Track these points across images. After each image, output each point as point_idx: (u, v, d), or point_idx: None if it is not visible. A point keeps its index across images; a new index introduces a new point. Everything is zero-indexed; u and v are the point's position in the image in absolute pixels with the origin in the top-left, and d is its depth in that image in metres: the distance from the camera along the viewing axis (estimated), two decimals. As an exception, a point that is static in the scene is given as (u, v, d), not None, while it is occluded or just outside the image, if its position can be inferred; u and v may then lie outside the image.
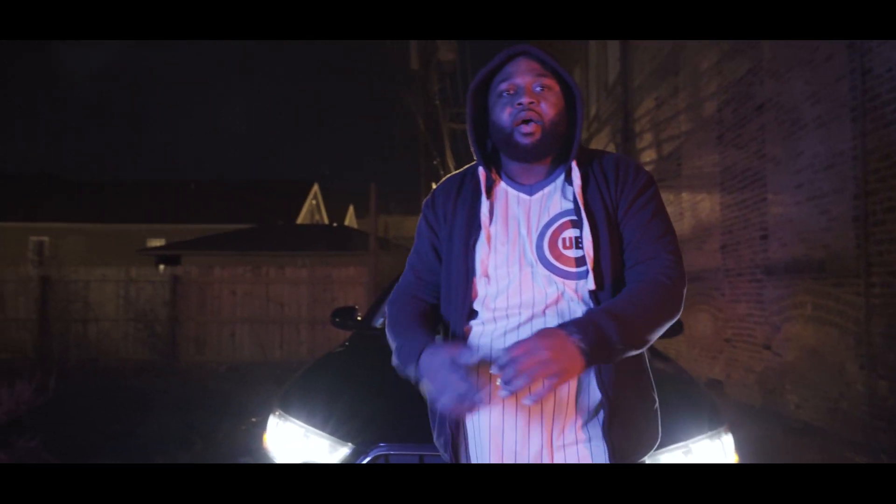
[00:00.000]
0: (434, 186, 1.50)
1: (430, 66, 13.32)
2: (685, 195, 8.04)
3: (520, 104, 1.29)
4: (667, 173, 8.63)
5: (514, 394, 1.08)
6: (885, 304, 4.27)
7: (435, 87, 13.76)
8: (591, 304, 1.27)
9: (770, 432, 4.99)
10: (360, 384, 2.19)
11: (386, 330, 1.41)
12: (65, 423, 4.73)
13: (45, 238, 23.60)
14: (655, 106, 9.05)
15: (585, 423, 1.26)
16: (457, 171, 1.47)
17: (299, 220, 25.51)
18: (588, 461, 1.24)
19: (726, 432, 1.89)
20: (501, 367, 1.07)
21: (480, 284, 1.31)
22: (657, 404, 1.35)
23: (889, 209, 4.26)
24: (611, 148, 11.49)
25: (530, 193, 1.34)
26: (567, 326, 1.14)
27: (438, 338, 1.39)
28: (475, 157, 1.40)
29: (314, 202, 29.02)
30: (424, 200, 1.46)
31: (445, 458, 1.34)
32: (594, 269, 1.26)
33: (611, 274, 1.28)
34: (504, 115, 1.31)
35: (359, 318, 3.32)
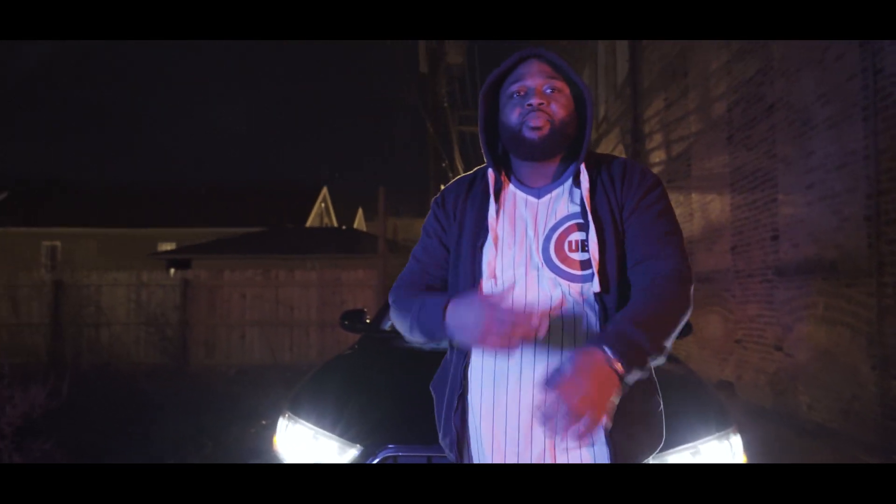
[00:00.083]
0: (443, 188, 1.51)
1: (439, 70, 13.34)
2: (695, 196, 8.01)
3: (530, 105, 1.30)
4: (676, 174, 8.60)
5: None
6: (898, 305, 4.23)
7: (443, 90, 13.77)
8: (596, 307, 1.27)
9: (782, 434, 4.96)
10: (368, 386, 2.20)
11: (392, 313, 1.40)
12: (78, 425, 4.77)
13: (58, 243, 23.80)
14: (665, 107, 9.02)
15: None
16: (467, 173, 1.48)
17: (308, 223, 25.60)
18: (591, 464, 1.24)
19: (734, 433, 1.88)
20: (549, 414, 1.06)
21: (487, 286, 1.32)
22: (661, 407, 1.35)
23: (901, 209, 4.22)
24: (620, 149, 11.46)
25: (538, 196, 1.35)
26: (602, 345, 1.12)
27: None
28: (485, 159, 1.41)
29: (323, 205, 29.11)
30: (433, 198, 1.47)
31: (451, 457, 1.35)
32: (599, 273, 1.26)
33: (616, 277, 1.28)
34: (514, 116, 1.32)
35: (368, 321, 3.33)
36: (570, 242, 1.28)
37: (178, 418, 5.33)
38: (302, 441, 1.99)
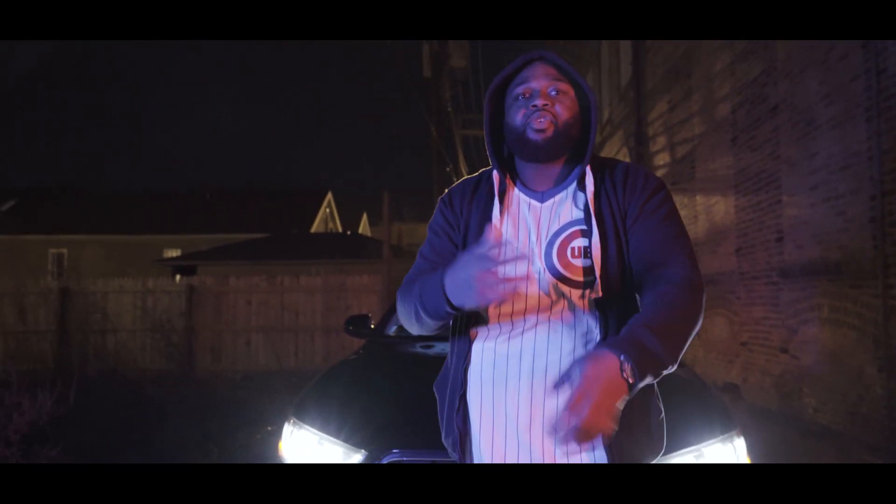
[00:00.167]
0: (449, 189, 1.52)
1: (442, 73, 13.35)
2: (699, 198, 8.00)
3: (534, 106, 1.31)
4: (681, 176, 8.59)
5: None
6: (904, 306, 4.22)
7: (447, 93, 13.79)
8: (597, 313, 1.27)
9: (787, 436, 4.94)
10: (373, 392, 2.20)
11: (399, 309, 1.40)
12: (85, 431, 4.79)
13: (64, 250, 23.92)
14: (668, 109, 9.02)
15: None
16: (473, 175, 1.49)
17: (313, 229, 25.66)
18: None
19: (738, 436, 1.88)
20: (556, 422, 1.08)
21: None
22: (663, 414, 1.34)
23: (906, 209, 4.21)
24: (624, 152, 11.45)
25: (541, 200, 1.35)
26: (616, 350, 1.11)
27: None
28: (490, 161, 1.41)
29: (328, 210, 29.17)
30: (440, 197, 1.47)
31: (454, 457, 1.35)
32: (601, 279, 1.26)
33: (618, 284, 1.28)
34: (518, 117, 1.33)
35: (372, 326, 3.34)
36: (572, 248, 1.28)
37: (183, 424, 5.35)
38: (307, 446, 1.99)
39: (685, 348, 1.21)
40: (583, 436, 1.06)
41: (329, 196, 29.16)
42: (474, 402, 1.31)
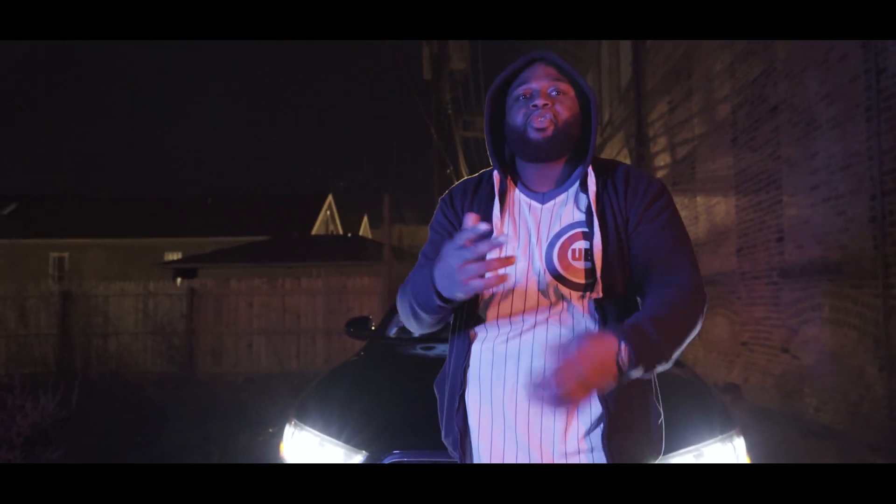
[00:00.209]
0: (450, 188, 1.52)
1: (443, 76, 13.37)
2: (700, 199, 8.00)
3: (535, 106, 1.31)
4: (681, 177, 8.59)
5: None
6: (905, 305, 4.22)
7: (447, 95, 13.80)
8: (597, 316, 1.27)
9: (788, 436, 4.94)
10: (374, 393, 2.21)
11: (398, 307, 1.40)
12: (88, 434, 4.80)
13: (66, 254, 23.95)
14: (669, 109, 9.03)
15: (588, 433, 1.26)
16: (474, 175, 1.48)
17: (314, 231, 25.67)
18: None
19: (738, 435, 1.88)
20: (540, 382, 1.08)
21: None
22: (662, 417, 1.33)
23: (906, 209, 4.22)
24: (624, 153, 11.45)
25: (542, 202, 1.35)
26: (618, 333, 1.12)
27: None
28: (491, 161, 1.41)
29: (328, 213, 29.19)
30: (441, 197, 1.47)
31: (455, 456, 1.35)
32: (602, 282, 1.26)
33: (618, 287, 1.28)
34: (519, 117, 1.33)
35: (373, 328, 3.35)
36: (573, 251, 1.28)
37: (185, 426, 5.36)
38: (308, 448, 2.00)
39: (682, 347, 1.21)
40: (555, 402, 1.07)
41: (330, 198, 29.18)
42: (473, 402, 1.31)
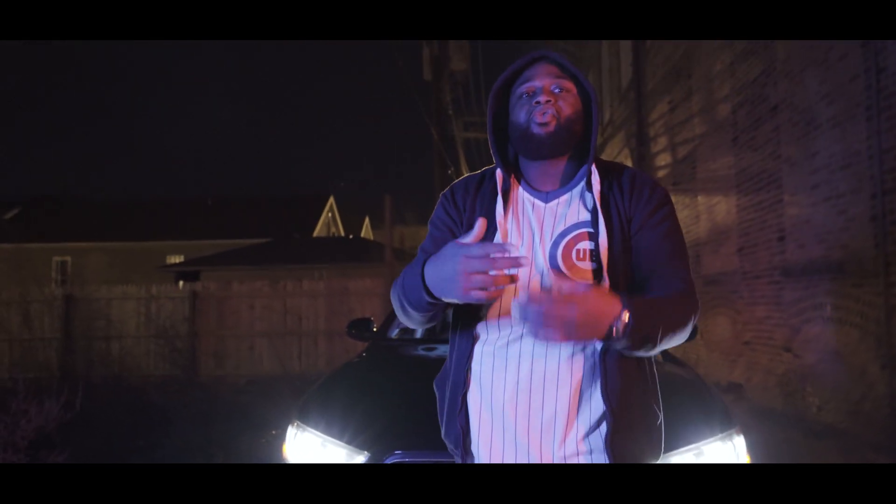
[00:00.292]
0: (452, 184, 1.50)
1: (443, 77, 13.38)
2: (701, 198, 8.01)
3: (537, 102, 1.31)
4: (682, 177, 8.60)
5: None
6: (906, 304, 4.22)
7: (448, 96, 13.81)
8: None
9: (791, 435, 4.94)
10: (375, 394, 2.22)
11: (392, 300, 1.38)
12: (91, 437, 4.81)
13: (68, 258, 24.01)
14: (669, 109, 9.03)
15: (587, 435, 1.25)
16: (476, 171, 1.48)
17: (316, 233, 25.71)
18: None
19: (738, 434, 1.89)
20: (527, 314, 1.05)
21: None
22: (661, 419, 1.33)
23: (907, 207, 4.22)
24: (625, 153, 11.46)
25: (545, 201, 1.35)
26: (623, 300, 1.12)
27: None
28: (494, 159, 1.41)
29: (330, 215, 29.23)
30: (442, 192, 1.46)
31: (457, 453, 1.33)
32: (607, 283, 1.25)
33: (620, 288, 1.26)
34: (522, 114, 1.33)
35: (374, 330, 3.36)
36: (578, 251, 1.27)
37: (188, 429, 5.36)
38: (310, 449, 2.01)
39: (669, 342, 1.22)
40: (535, 324, 1.06)
41: (331, 200, 29.23)
42: (474, 404, 1.31)
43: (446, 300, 1.16)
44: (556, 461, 1.24)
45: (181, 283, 12.16)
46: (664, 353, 2.63)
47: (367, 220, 33.60)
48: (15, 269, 21.40)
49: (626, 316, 1.11)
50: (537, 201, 1.35)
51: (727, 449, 1.84)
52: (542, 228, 1.31)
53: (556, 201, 1.34)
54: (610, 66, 12.77)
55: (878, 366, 4.48)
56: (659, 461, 1.32)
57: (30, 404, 3.83)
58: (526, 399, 1.25)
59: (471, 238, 1.12)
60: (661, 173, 9.54)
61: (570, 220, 1.31)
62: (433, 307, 1.25)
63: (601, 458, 1.24)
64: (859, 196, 4.72)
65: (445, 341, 1.45)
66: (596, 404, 1.25)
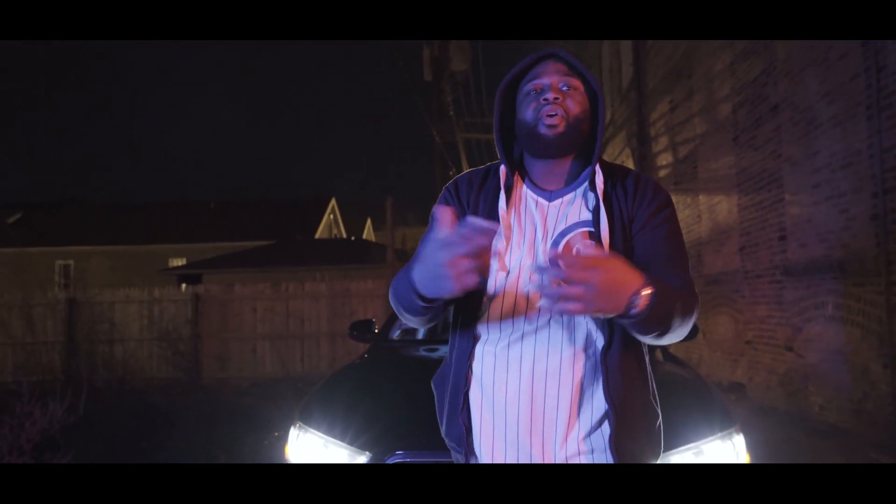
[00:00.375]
0: (455, 178, 1.49)
1: (443, 77, 13.39)
2: (702, 198, 8.01)
3: (545, 100, 1.31)
4: (683, 176, 8.60)
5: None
6: (908, 302, 4.22)
7: (448, 97, 13.83)
8: (601, 317, 1.25)
9: (793, 435, 4.94)
10: (377, 395, 2.23)
11: (391, 299, 1.36)
12: (95, 439, 4.83)
13: (71, 261, 24.05)
14: (670, 109, 9.04)
15: (588, 435, 1.25)
16: (480, 167, 1.47)
17: (317, 235, 25.74)
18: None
19: (737, 433, 1.90)
20: (545, 280, 1.00)
21: (499, 277, 1.30)
22: (660, 419, 1.34)
23: (907, 206, 4.22)
24: (626, 153, 11.46)
25: (549, 199, 1.35)
26: (647, 278, 1.11)
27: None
28: (499, 156, 1.41)
29: (332, 217, 29.26)
30: (445, 186, 1.45)
31: (460, 451, 1.32)
32: None
33: None
34: (529, 112, 1.33)
35: (376, 331, 3.37)
36: (578, 250, 1.24)
37: (191, 431, 5.38)
38: (313, 449, 2.02)
39: (676, 330, 1.21)
40: (561, 286, 1.02)
41: (333, 202, 29.26)
42: (475, 403, 1.31)
43: (446, 297, 1.14)
44: (557, 461, 1.24)
45: (184, 285, 12.18)
46: (664, 352, 2.64)
47: (368, 222, 33.63)
48: (17, 273, 21.44)
49: (648, 291, 1.08)
50: (541, 199, 1.35)
51: (727, 448, 1.84)
52: (544, 226, 1.31)
53: (559, 200, 1.34)
54: (611, 65, 12.77)
55: (880, 365, 4.48)
56: (659, 460, 1.32)
57: (34, 407, 3.85)
58: (527, 399, 1.25)
59: (441, 233, 1.09)
60: (662, 173, 9.54)
61: (572, 219, 1.31)
62: (429, 310, 1.23)
63: (602, 457, 1.24)
64: (860, 195, 4.72)
65: (446, 342, 1.45)
66: (597, 404, 1.25)
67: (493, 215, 1.34)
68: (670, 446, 1.40)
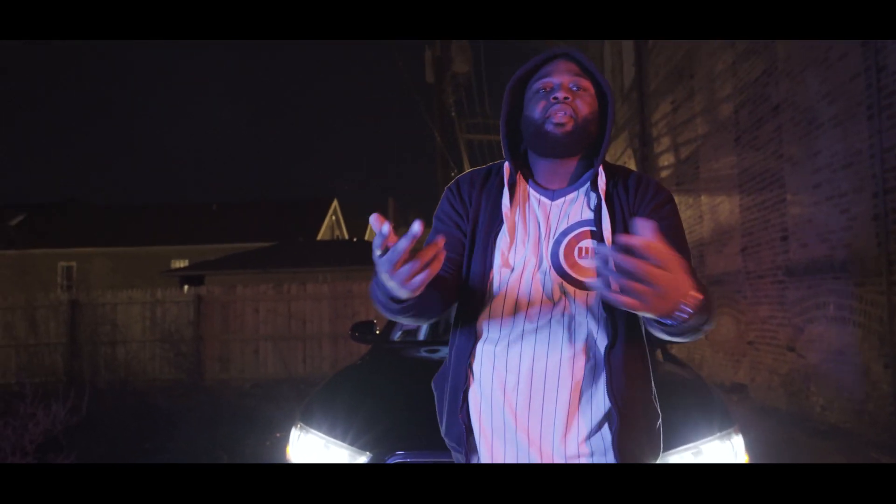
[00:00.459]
0: (457, 178, 1.49)
1: (445, 79, 13.41)
2: (704, 198, 8.00)
3: (555, 98, 1.31)
4: (685, 177, 8.60)
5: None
6: (909, 302, 4.22)
7: (450, 98, 13.85)
8: (602, 316, 1.26)
9: (795, 435, 4.93)
10: (378, 395, 2.23)
11: (373, 302, 1.34)
12: (98, 440, 4.84)
13: (73, 263, 24.10)
14: (672, 110, 9.04)
15: (589, 436, 1.25)
16: (482, 166, 1.47)
17: (319, 237, 25.75)
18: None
19: (736, 433, 1.90)
20: (606, 267, 0.92)
21: (503, 274, 1.30)
22: (660, 419, 1.34)
23: (909, 206, 4.22)
24: (628, 153, 11.46)
25: (552, 198, 1.34)
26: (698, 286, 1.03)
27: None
28: (503, 153, 1.40)
29: (334, 218, 29.28)
30: (447, 185, 1.45)
31: (460, 451, 1.32)
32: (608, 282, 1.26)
33: None
34: (538, 110, 1.32)
35: (377, 332, 3.38)
36: (580, 249, 1.27)
37: (193, 432, 5.39)
38: (313, 450, 2.03)
39: (694, 334, 1.15)
40: (627, 277, 0.93)
41: (335, 204, 29.28)
42: (475, 403, 1.31)
43: (405, 298, 1.11)
44: (556, 461, 1.24)
45: (186, 287, 12.20)
46: (664, 352, 2.64)
47: (370, 223, 33.63)
48: (20, 275, 21.51)
49: (699, 297, 1.01)
50: (543, 198, 1.35)
51: (725, 448, 1.85)
52: (547, 225, 1.31)
53: (562, 199, 1.34)
54: (612, 66, 12.77)
55: (882, 365, 4.48)
56: (658, 461, 1.32)
57: (37, 408, 3.87)
58: (525, 399, 1.25)
59: (381, 239, 1.03)
60: (664, 174, 9.54)
61: (574, 219, 1.31)
62: (408, 309, 1.19)
63: (602, 459, 1.24)
64: (861, 195, 4.72)
65: (447, 343, 1.45)
66: (597, 405, 1.25)
67: (496, 213, 1.34)
68: (669, 446, 1.40)
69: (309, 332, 10.64)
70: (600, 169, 1.33)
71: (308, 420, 2.13)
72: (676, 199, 1.40)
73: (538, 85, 1.34)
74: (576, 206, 1.32)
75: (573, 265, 1.27)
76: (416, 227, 0.99)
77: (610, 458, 1.24)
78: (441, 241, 1.04)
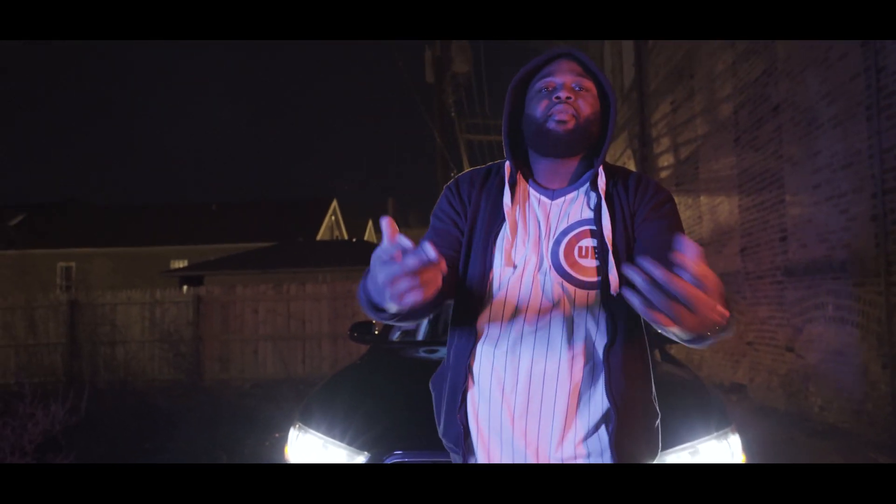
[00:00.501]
0: (457, 177, 1.49)
1: (445, 79, 13.41)
2: (703, 198, 8.01)
3: (557, 98, 1.31)
4: (684, 177, 8.60)
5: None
6: (908, 303, 4.22)
7: (450, 99, 13.85)
8: (602, 315, 1.26)
9: (794, 435, 4.94)
10: (376, 396, 2.23)
11: (360, 305, 1.32)
12: (97, 441, 4.84)
13: (73, 263, 24.09)
14: (671, 110, 9.04)
15: (586, 438, 1.25)
16: (481, 166, 1.47)
17: (319, 237, 25.75)
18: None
19: (733, 433, 1.90)
20: (640, 278, 0.90)
21: (505, 273, 1.30)
22: (659, 419, 1.33)
23: (908, 206, 4.22)
24: (628, 154, 11.47)
25: (552, 198, 1.34)
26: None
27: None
28: (504, 151, 1.40)
29: (333, 218, 29.27)
30: (446, 184, 1.44)
31: (457, 451, 1.32)
32: (610, 280, 1.25)
33: (623, 285, 1.27)
34: (540, 109, 1.32)
35: (376, 333, 3.37)
36: (580, 248, 1.27)
37: (192, 432, 5.39)
38: (312, 450, 2.03)
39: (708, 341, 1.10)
40: (663, 291, 0.90)
41: (334, 204, 29.27)
42: (473, 405, 1.31)
43: (392, 310, 1.08)
44: (552, 462, 1.23)
45: (185, 287, 12.19)
46: (662, 352, 2.65)
47: (370, 224, 33.64)
48: (20, 275, 21.48)
49: (726, 311, 0.96)
50: (543, 198, 1.35)
51: (722, 448, 1.85)
52: (547, 224, 1.31)
53: (562, 199, 1.34)
54: (612, 66, 12.78)
55: (880, 365, 4.48)
56: (655, 460, 1.32)
57: (36, 408, 3.87)
58: (524, 401, 1.25)
59: (381, 248, 1.02)
60: (663, 174, 9.54)
61: (573, 218, 1.31)
62: (395, 316, 1.18)
63: (599, 459, 1.24)
64: (860, 195, 4.72)
65: (446, 343, 1.45)
66: (595, 406, 1.25)
67: (496, 212, 1.34)
68: (666, 446, 1.40)
69: (308, 332, 10.64)
70: (600, 169, 1.33)
71: (307, 420, 2.13)
72: (676, 199, 1.40)
73: (540, 84, 1.34)
74: (576, 206, 1.32)
75: (573, 264, 1.27)
76: (432, 253, 0.97)
77: (607, 458, 1.24)
78: (443, 263, 1.01)
